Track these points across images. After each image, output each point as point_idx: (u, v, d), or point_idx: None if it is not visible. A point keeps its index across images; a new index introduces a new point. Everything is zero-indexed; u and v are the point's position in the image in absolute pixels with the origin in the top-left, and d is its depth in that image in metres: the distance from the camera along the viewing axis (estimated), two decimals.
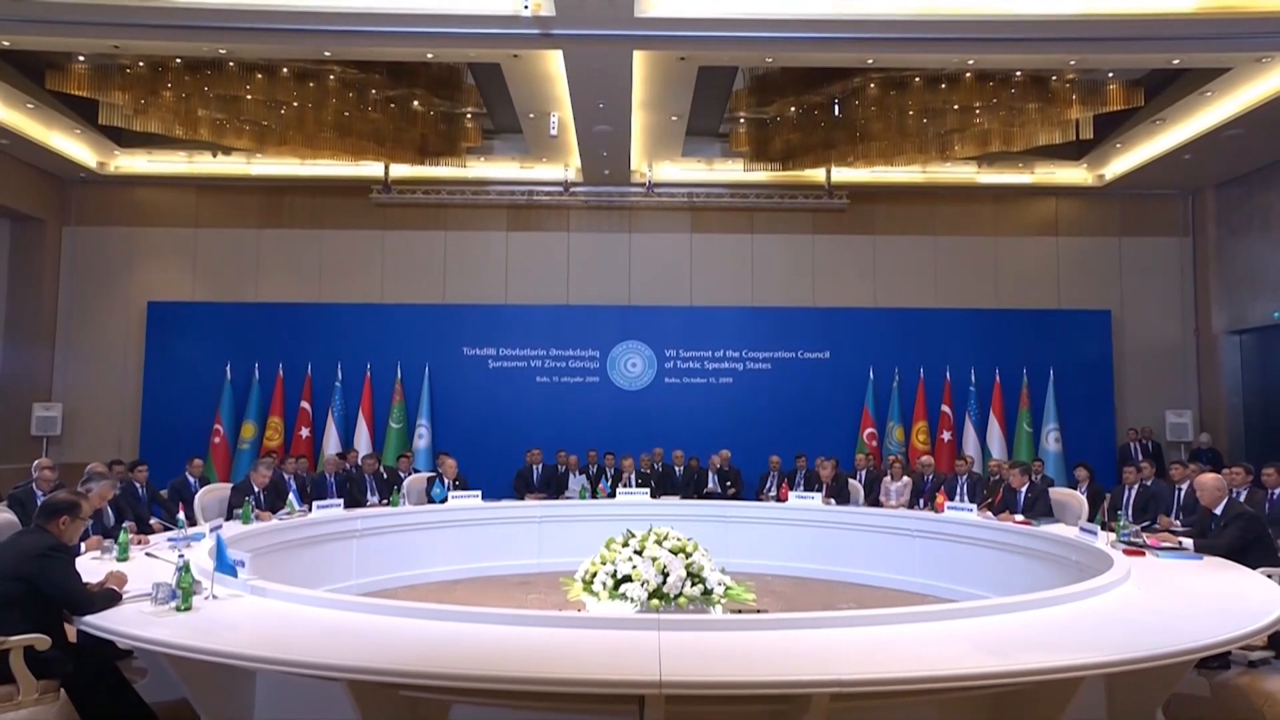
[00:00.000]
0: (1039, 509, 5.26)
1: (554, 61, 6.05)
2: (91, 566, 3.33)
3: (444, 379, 8.54)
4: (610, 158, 7.90)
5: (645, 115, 7.10)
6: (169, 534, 4.32)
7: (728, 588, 3.08)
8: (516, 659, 2.23)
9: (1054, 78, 6.51)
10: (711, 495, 7.09)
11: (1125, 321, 8.86)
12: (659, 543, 3.13)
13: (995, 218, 9.05)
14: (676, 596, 2.96)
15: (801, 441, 7.62)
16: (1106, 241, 8.99)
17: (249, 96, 6.54)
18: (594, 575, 3.12)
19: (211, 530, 4.15)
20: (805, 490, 6.49)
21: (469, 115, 7.59)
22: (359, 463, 6.59)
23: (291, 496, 5.39)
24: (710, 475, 7.35)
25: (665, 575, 2.99)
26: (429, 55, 6.24)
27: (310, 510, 5.31)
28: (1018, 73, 6.46)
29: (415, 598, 4.63)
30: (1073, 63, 6.14)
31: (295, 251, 8.85)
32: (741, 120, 7.58)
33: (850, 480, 6.60)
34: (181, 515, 4.36)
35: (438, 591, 5.37)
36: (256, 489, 5.17)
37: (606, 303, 8.84)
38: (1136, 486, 5.60)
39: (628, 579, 3.01)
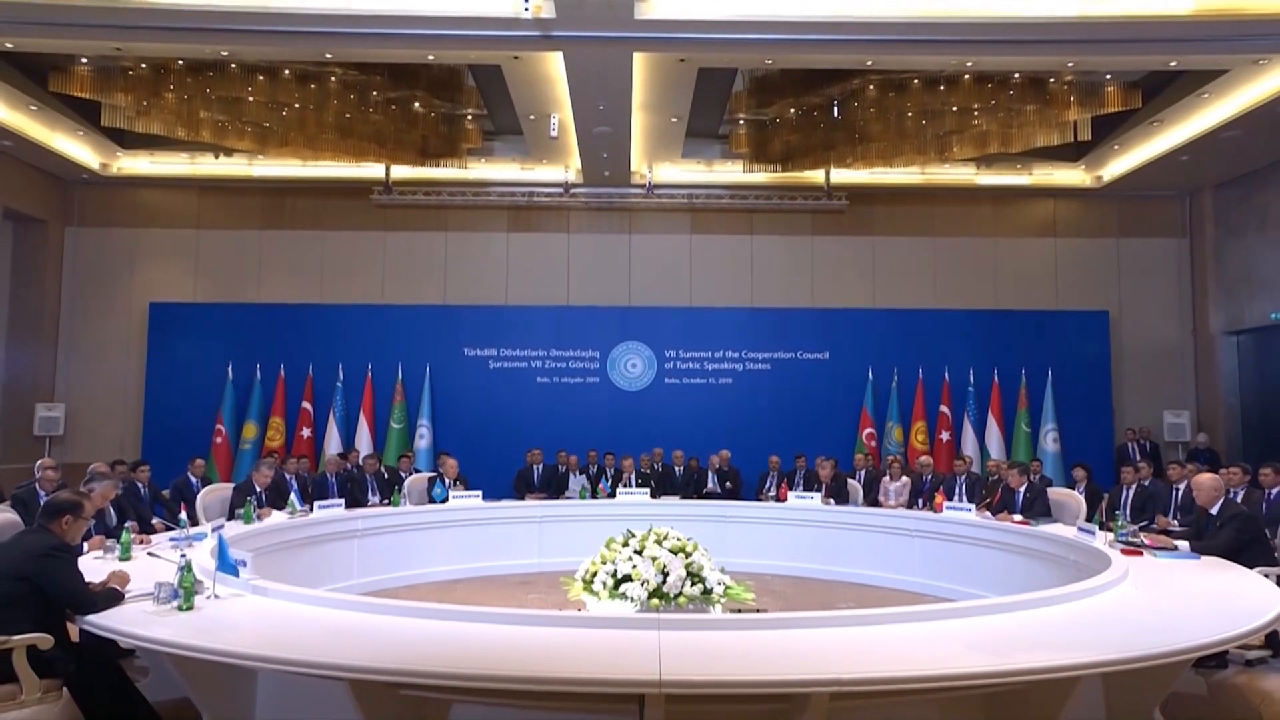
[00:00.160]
0: (1037, 509, 5.27)
1: (554, 63, 6.06)
2: (94, 566, 3.34)
3: (445, 379, 8.56)
4: (610, 159, 7.91)
5: (645, 117, 7.11)
6: (171, 534, 4.33)
7: (727, 587, 3.08)
8: (517, 658, 2.23)
9: (1052, 79, 6.53)
10: (711, 495, 7.11)
11: (1123, 322, 8.88)
12: (659, 542, 3.13)
13: (994, 219, 9.07)
14: (676, 596, 2.96)
15: (801, 442, 7.64)
16: (1104, 242, 9.02)
17: (251, 98, 6.57)
18: (594, 575, 3.12)
19: (213, 530, 4.15)
20: (804, 490, 6.50)
21: (470, 117, 7.62)
22: (360, 463, 6.60)
23: (293, 496, 5.39)
24: (710, 475, 7.36)
25: (665, 575, 2.99)
26: (430, 57, 6.25)
27: (311, 510, 5.32)
28: (1016, 74, 6.48)
29: (416, 597, 4.63)
30: (1071, 65, 6.16)
31: (297, 252, 8.87)
32: (741, 122, 7.60)
33: (849, 480, 6.62)
34: (183, 515, 4.36)
35: (439, 591, 5.37)
36: (258, 489, 5.18)
37: (607, 303, 8.86)
38: (1134, 486, 5.62)
39: (628, 579, 3.01)
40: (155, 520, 4.93)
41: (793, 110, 7.23)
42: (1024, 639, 2.43)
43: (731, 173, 8.49)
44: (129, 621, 2.55)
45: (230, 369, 8.31)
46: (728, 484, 7.23)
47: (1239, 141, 7.17)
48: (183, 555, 2.97)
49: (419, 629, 2.49)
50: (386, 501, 6.05)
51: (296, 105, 6.74)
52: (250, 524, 4.73)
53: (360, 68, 6.64)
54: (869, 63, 6.20)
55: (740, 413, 8.57)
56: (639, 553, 3.10)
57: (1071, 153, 8.22)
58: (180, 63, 6.32)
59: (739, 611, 3.07)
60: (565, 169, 8.38)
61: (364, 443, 8.10)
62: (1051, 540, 4.72)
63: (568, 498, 6.88)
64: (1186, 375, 8.87)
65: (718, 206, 8.89)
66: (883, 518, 5.99)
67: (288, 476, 5.80)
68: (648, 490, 6.61)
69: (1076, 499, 5.42)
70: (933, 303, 8.91)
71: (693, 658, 2.23)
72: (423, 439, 8.32)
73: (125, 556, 3.61)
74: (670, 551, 3.09)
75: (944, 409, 8.46)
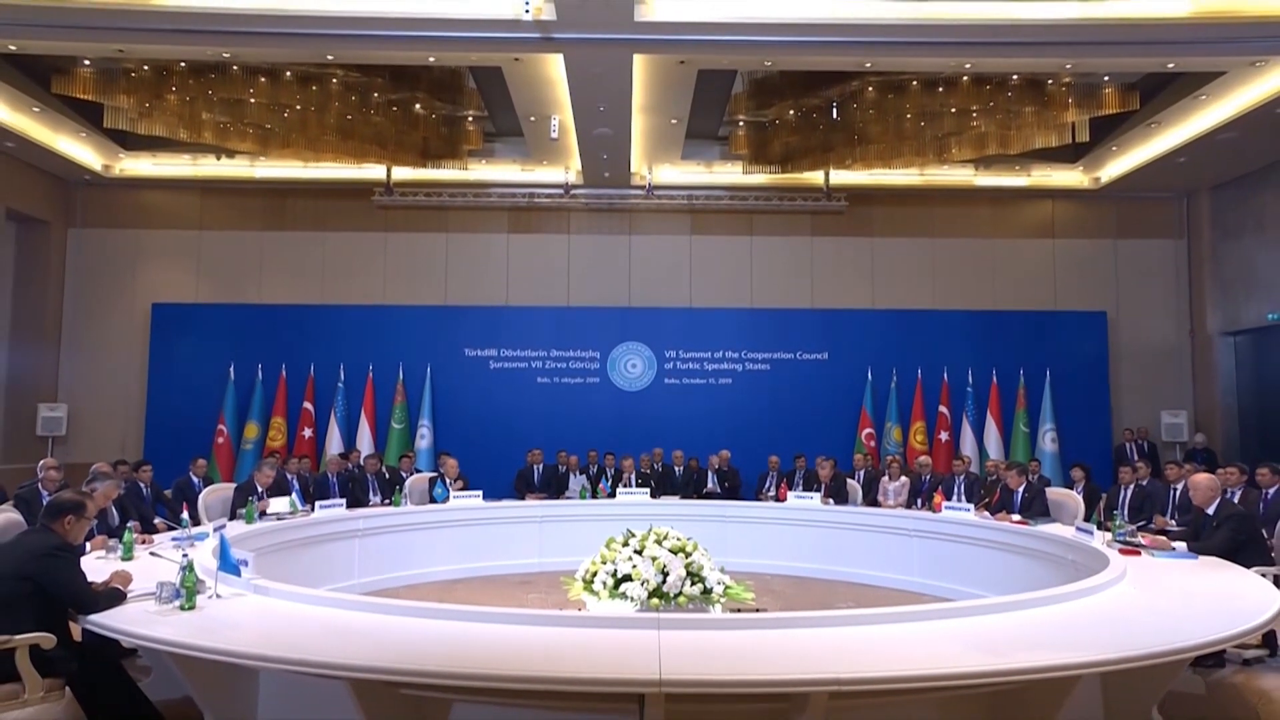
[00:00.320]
0: (1036, 509, 5.28)
1: (555, 65, 6.08)
2: (96, 566, 3.35)
3: (445, 380, 8.58)
4: (610, 160, 7.93)
5: (645, 118, 7.13)
6: (173, 533, 4.33)
7: (727, 587, 3.08)
8: (518, 658, 2.24)
9: (1050, 81, 6.55)
10: (711, 495, 7.12)
11: (1121, 323, 8.90)
12: (659, 542, 3.14)
13: (992, 220, 9.10)
14: (676, 596, 2.97)
15: (800, 442, 7.65)
16: (1102, 243, 9.04)
17: (252, 100, 6.59)
18: (594, 575, 3.12)
19: (215, 530, 4.17)
20: (804, 490, 6.52)
21: (470, 118, 7.64)
22: (361, 463, 6.62)
23: (294, 496, 5.41)
24: (710, 475, 7.38)
25: (665, 575, 2.99)
26: (431, 59, 6.27)
27: (313, 510, 5.33)
28: (1014, 76, 6.50)
29: (417, 597, 4.64)
30: (1068, 66, 6.18)
31: (298, 253, 8.89)
32: (741, 123, 7.61)
33: (848, 480, 6.63)
34: (185, 515, 4.37)
35: (439, 591, 5.37)
36: (260, 489, 5.19)
37: (607, 304, 8.88)
38: (1132, 486, 5.64)
39: (628, 578, 3.01)
40: (157, 520, 4.94)
41: (792, 112, 7.25)
42: (1022, 638, 2.44)
43: (731, 174, 8.51)
44: (131, 621, 2.55)
45: (232, 369, 8.33)
46: (727, 484, 7.25)
47: (1236, 143, 7.19)
48: (185, 555, 2.98)
49: (420, 628, 2.50)
50: (388, 501, 6.06)
51: (298, 107, 6.76)
52: (252, 524, 4.74)
53: (361, 69, 6.66)
54: (868, 65, 6.22)
55: (740, 413, 8.58)
56: (639, 552, 3.10)
57: (1069, 154, 8.25)
58: (182, 65, 6.35)
59: (739, 611, 3.07)
60: (565, 170, 8.40)
61: (365, 443, 8.12)
62: (1050, 540, 4.73)
63: (568, 498, 6.89)
64: (1184, 376, 8.89)
65: (717, 208, 8.90)
66: (882, 518, 5.99)
67: (289, 476, 5.82)
68: (648, 490, 6.62)
69: (1075, 499, 5.43)
70: (931, 303, 8.93)
71: (693, 657, 2.23)
72: (423, 439, 8.34)
73: (127, 556, 3.61)
74: (670, 551, 3.09)
75: (943, 409, 8.48)
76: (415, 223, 8.91)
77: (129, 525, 4.00)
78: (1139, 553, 3.93)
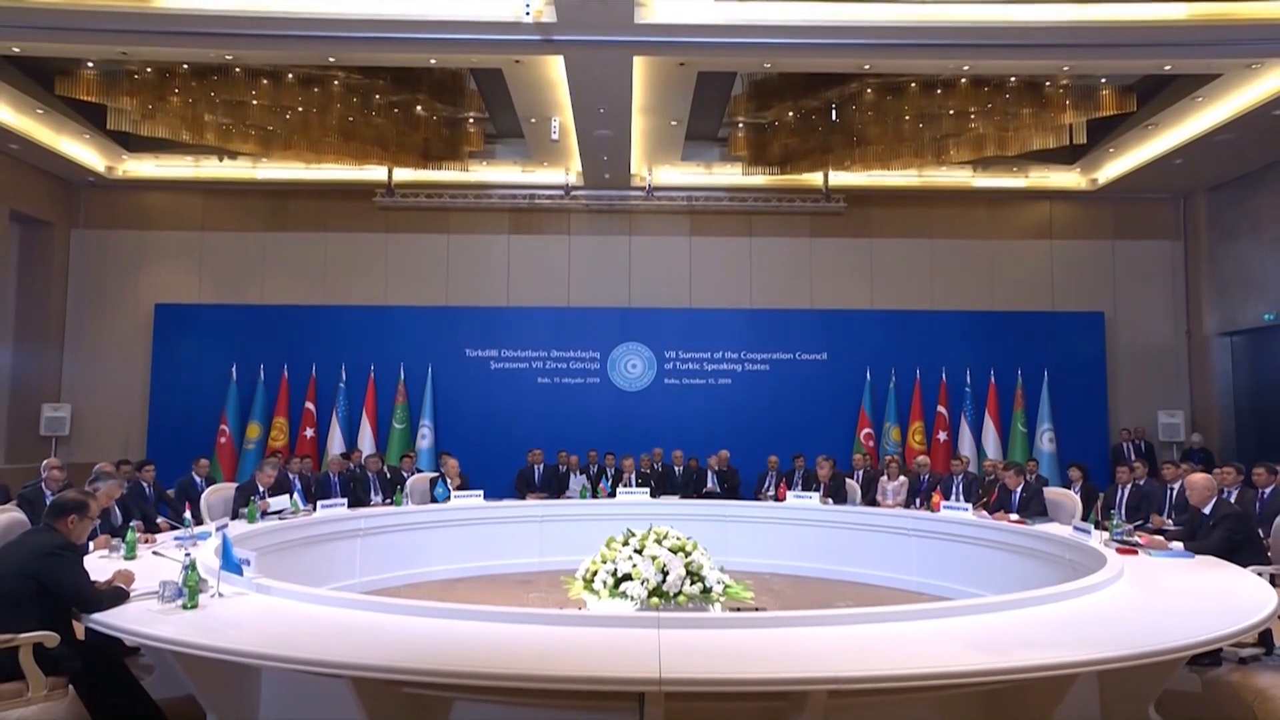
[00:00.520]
0: (1033, 508, 5.29)
1: (555, 67, 6.10)
2: (99, 565, 3.35)
3: (446, 380, 8.60)
4: (610, 162, 7.95)
5: (645, 120, 7.15)
6: (175, 533, 4.33)
7: (726, 586, 3.07)
8: (518, 656, 2.25)
9: (1048, 83, 6.57)
10: (711, 495, 7.14)
11: (1118, 323, 8.92)
12: (659, 542, 3.13)
13: (990, 221, 9.12)
14: (676, 595, 2.96)
15: (799, 442, 7.67)
16: (1100, 244, 9.06)
17: (255, 102, 6.62)
18: (594, 574, 3.12)
19: (217, 529, 4.19)
20: (803, 490, 6.53)
21: (471, 120, 7.66)
22: (363, 463, 6.64)
23: (296, 496, 5.43)
24: (709, 475, 7.40)
25: (665, 574, 2.99)
26: (432, 61, 6.29)
27: (315, 510, 5.34)
28: (1012, 78, 6.53)
29: (418, 596, 4.66)
30: (1066, 68, 6.20)
31: (300, 254, 8.91)
32: (740, 125, 7.64)
33: (847, 480, 6.64)
34: (188, 514, 4.37)
35: (440, 590, 5.38)
36: (262, 488, 5.20)
37: (607, 305, 8.90)
38: (1129, 486, 5.65)
39: (628, 577, 3.01)
40: (160, 519, 4.96)
41: (791, 113, 7.27)
42: (1020, 637, 2.44)
43: (731, 175, 8.53)
44: (134, 620, 2.56)
45: (234, 369, 8.36)
46: (726, 484, 7.27)
47: (1232, 145, 7.22)
48: (187, 554, 2.97)
49: (421, 627, 2.51)
50: (389, 501, 6.08)
51: (300, 108, 6.79)
52: (254, 523, 4.75)
53: (363, 71, 6.69)
54: (866, 67, 6.25)
55: (739, 413, 8.60)
56: (639, 552, 3.10)
57: (1067, 156, 8.27)
58: (185, 67, 6.37)
59: (738, 610, 3.08)
60: (566, 172, 8.42)
61: (366, 443, 8.14)
62: (1047, 539, 4.74)
63: (568, 497, 6.91)
64: (1181, 376, 8.92)
65: (717, 209, 8.93)
66: (880, 517, 6.00)
67: (291, 476, 5.83)
68: (648, 490, 6.63)
69: (1072, 498, 5.45)
70: (930, 304, 8.95)
71: (692, 656, 2.24)
72: (424, 439, 8.36)
73: (130, 555, 3.62)
74: (670, 551, 3.09)
75: (941, 409, 8.50)
76: (416, 224, 8.94)
77: (132, 525, 4.03)
78: (1136, 552, 3.94)
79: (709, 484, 7.35)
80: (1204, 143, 7.16)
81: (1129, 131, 7.42)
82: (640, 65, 6.02)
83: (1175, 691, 3.13)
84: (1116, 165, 8.23)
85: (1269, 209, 7.98)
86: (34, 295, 8.42)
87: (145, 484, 5.33)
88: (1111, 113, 6.83)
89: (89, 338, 8.69)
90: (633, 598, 2.98)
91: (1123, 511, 5.33)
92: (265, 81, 6.50)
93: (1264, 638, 3.72)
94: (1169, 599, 3.01)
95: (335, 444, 8.15)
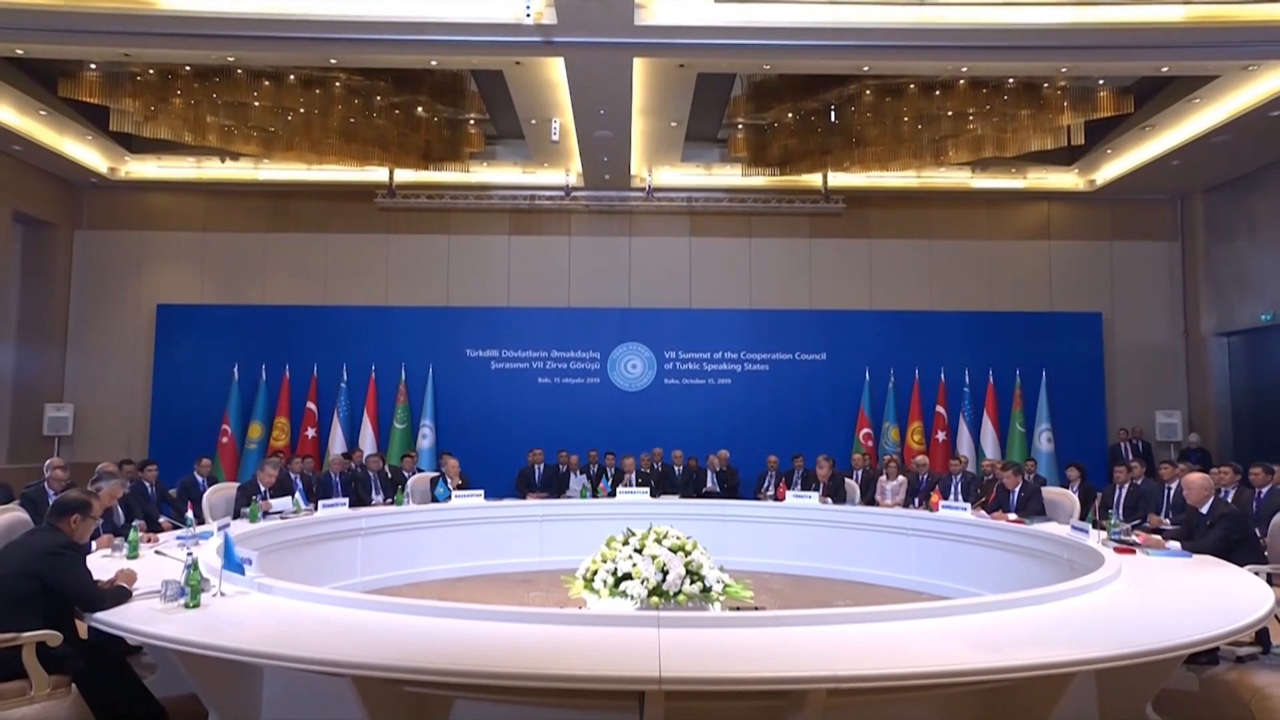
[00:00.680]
0: (1032, 508, 5.30)
1: (555, 68, 6.11)
2: (102, 564, 3.35)
3: (447, 380, 8.62)
4: (611, 163, 7.97)
5: (645, 121, 7.17)
6: (178, 532, 4.34)
7: (726, 585, 3.09)
8: (519, 655, 2.26)
9: (1046, 85, 6.59)
10: (710, 495, 7.16)
11: (1116, 324, 8.95)
12: (659, 541, 3.15)
13: (989, 222, 9.14)
14: (676, 594, 2.98)
15: (798, 442, 7.69)
16: (1097, 245, 9.09)
17: (257, 103, 6.63)
18: (595, 573, 3.13)
19: (219, 529, 4.21)
20: (802, 490, 6.54)
21: (472, 121, 7.67)
22: (364, 462, 6.65)
23: (297, 495, 5.44)
24: (709, 475, 7.42)
25: (665, 573, 3.00)
26: (433, 62, 6.31)
27: (316, 509, 5.36)
28: (1010, 80, 6.55)
29: (419, 595, 4.65)
30: (1064, 70, 6.22)
31: (301, 255, 8.93)
32: (740, 126, 7.65)
33: (846, 480, 6.66)
34: (190, 514, 4.39)
35: (441, 589, 5.39)
36: (263, 488, 5.22)
37: (607, 305, 8.92)
38: (1127, 486, 5.66)
39: (628, 577, 3.02)
40: (162, 519, 4.97)
41: (790, 115, 7.28)
42: (1019, 636, 2.45)
43: (730, 176, 8.55)
44: (136, 619, 2.57)
45: (236, 370, 8.38)
46: (726, 484, 7.28)
47: (1229, 146, 7.24)
48: (189, 553, 2.98)
49: (422, 626, 2.52)
50: (390, 501, 6.09)
51: (301, 110, 6.80)
52: (255, 523, 4.76)
53: (364, 73, 6.70)
54: (865, 68, 6.27)
55: (739, 413, 8.62)
56: (639, 551, 3.11)
57: (1065, 157, 8.29)
58: (187, 68, 6.39)
59: (738, 609, 3.09)
60: (566, 173, 8.44)
61: (367, 443, 8.16)
62: (1046, 539, 4.75)
63: (568, 497, 6.93)
64: (1178, 376, 8.94)
65: (717, 209, 8.95)
66: (879, 517, 6.02)
67: (293, 476, 5.84)
68: (648, 490, 6.64)
69: (1070, 498, 5.46)
70: (929, 305, 8.97)
71: (692, 655, 2.25)
72: (425, 439, 8.38)
73: (133, 555, 3.63)
74: (670, 550, 3.10)
75: (940, 409, 8.52)
76: (417, 224, 8.96)
77: (134, 524, 4.04)
78: (1134, 551, 3.95)
79: (709, 484, 7.37)
80: (1201, 144, 7.19)
81: (1126, 133, 7.45)
82: (640, 67, 6.04)
83: (1173, 690, 3.16)
84: (1114, 166, 8.25)
85: (1266, 210, 8.00)
86: (37, 296, 8.44)
87: (147, 484, 5.34)
88: (1109, 114, 6.85)
89: (91, 338, 8.72)
90: (633, 597, 2.99)
91: (1120, 511, 5.35)
92: (267, 83, 6.51)
93: (1261, 636, 3.76)
94: (1166, 598, 3.02)
95: (337, 444, 8.16)
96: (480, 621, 2.56)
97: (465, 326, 8.73)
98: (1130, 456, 7.58)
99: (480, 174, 8.53)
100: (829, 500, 6.36)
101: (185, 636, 2.42)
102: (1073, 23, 5.39)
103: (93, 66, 6.43)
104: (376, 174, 8.37)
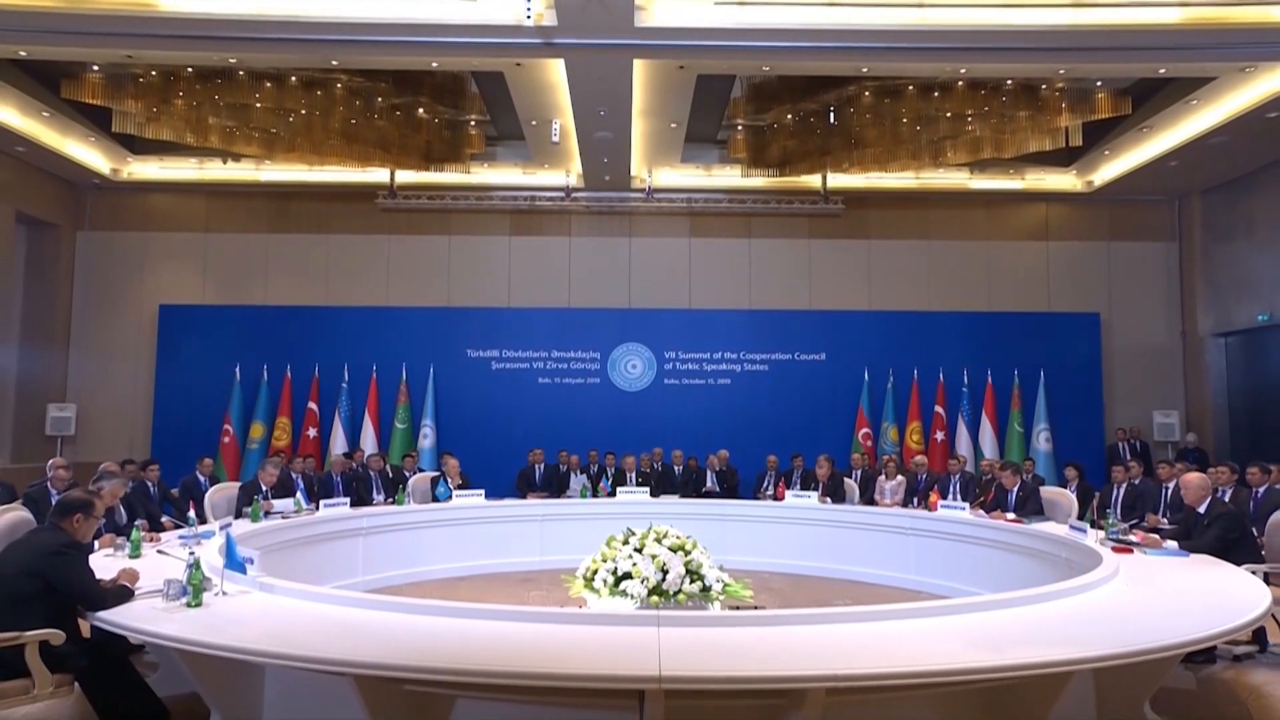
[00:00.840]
0: (1030, 507, 5.32)
1: (556, 70, 6.13)
2: (104, 563, 3.35)
3: (448, 380, 8.63)
4: (611, 164, 7.98)
5: (645, 122, 7.18)
6: (180, 532, 4.33)
7: (726, 585, 3.10)
8: (519, 654, 2.27)
9: (1044, 86, 6.61)
10: (710, 494, 7.17)
11: (1114, 324, 8.96)
12: (659, 541, 3.16)
13: (987, 223, 9.16)
14: (676, 593, 2.99)
15: (798, 442, 7.71)
16: (1095, 246, 9.10)
17: (258, 104, 6.65)
18: (595, 572, 3.15)
19: (221, 528, 4.21)
20: (801, 489, 6.55)
21: (473, 122, 7.69)
22: (365, 462, 6.67)
23: (299, 495, 5.46)
24: (709, 475, 7.43)
25: (665, 572, 3.01)
26: (434, 64, 6.32)
27: (317, 509, 5.37)
28: (1008, 81, 6.56)
29: (420, 594, 4.64)
30: (1062, 71, 6.24)
31: (303, 255, 8.95)
32: (739, 127, 7.66)
33: (845, 479, 6.67)
34: (192, 513, 4.39)
35: (442, 588, 5.41)
36: (265, 488, 5.23)
37: (607, 305, 8.94)
38: (1125, 485, 5.67)
39: (628, 576, 3.04)
40: (164, 518, 4.99)
41: (790, 116, 7.30)
42: (1017, 635, 2.46)
43: (730, 177, 8.57)
44: (139, 618, 2.58)
45: (238, 370, 8.40)
46: (726, 483, 7.30)
47: (1226, 147, 7.25)
48: (191, 553, 3.01)
49: (423, 626, 2.52)
50: (391, 500, 6.10)
51: (303, 111, 6.82)
52: (257, 522, 4.77)
53: (366, 74, 6.72)
54: (864, 70, 6.28)
55: (738, 413, 8.64)
56: (639, 551, 3.13)
57: (1063, 158, 8.30)
58: (189, 70, 6.41)
59: (737, 608, 3.11)
60: (566, 173, 8.46)
61: (369, 442, 8.18)
62: (1044, 538, 4.76)
63: (569, 497, 6.95)
64: (1176, 376, 8.96)
65: (716, 210, 8.97)
66: (878, 516, 6.03)
67: (294, 475, 5.86)
68: (648, 489, 6.65)
69: (1068, 497, 5.47)
70: (927, 305, 8.99)
71: (692, 654, 2.26)
72: (426, 439, 8.39)
73: (135, 554, 3.64)
74: (670, 549, 3.11)
75: (938, 409, 8.54)
76: (418, 225, 8.98)
77: (136, 523, 4.05)
78: (1131, 551, 3.96)
79: (708, 483, 7.38)
80: (1198, 145, 7.20)
81: (1124, 134, 7.46)
82: (640, 68, 6.05)
83: (1170, 689, 3.17)
84: (1112, 167, 8.27)
85: (1263, 211, 8.01)
86: (40, 296, 8.46)
87: (150, 483, 5.36)
88: (1107, 115, 6.87)
89: (94, 338, 8.73)
90: (633, 596, 3.00)
91: (1118, 510, 5.36)
92: (269, 84, 6.53)
93: (1258, 635, 3.78)
94: (1164, 597, 3.03)
95: (338, 443, 8.18)
96: (481, 621, 2.57)
97: (466, 327, 8.75)
98: (1128, 456, 7.59)
99: (481, 175, 8.54)
100: (828, 500, 6.37)
101: (187, 635, 2.43)
102: (1071, 24, 5.40)
103: (95, 68, 6.45)
104: (378, 175, 8.39)
